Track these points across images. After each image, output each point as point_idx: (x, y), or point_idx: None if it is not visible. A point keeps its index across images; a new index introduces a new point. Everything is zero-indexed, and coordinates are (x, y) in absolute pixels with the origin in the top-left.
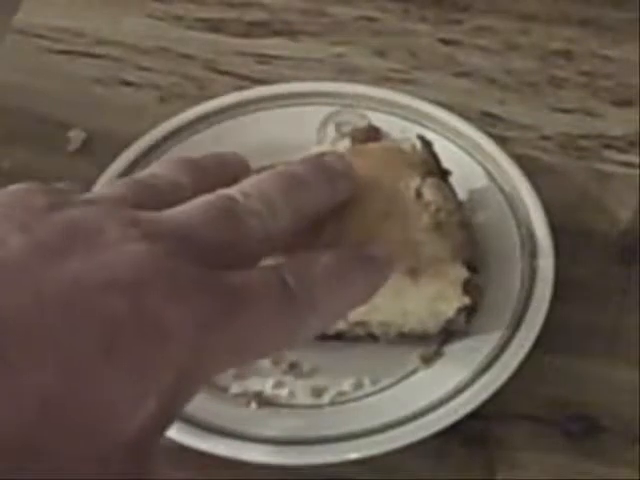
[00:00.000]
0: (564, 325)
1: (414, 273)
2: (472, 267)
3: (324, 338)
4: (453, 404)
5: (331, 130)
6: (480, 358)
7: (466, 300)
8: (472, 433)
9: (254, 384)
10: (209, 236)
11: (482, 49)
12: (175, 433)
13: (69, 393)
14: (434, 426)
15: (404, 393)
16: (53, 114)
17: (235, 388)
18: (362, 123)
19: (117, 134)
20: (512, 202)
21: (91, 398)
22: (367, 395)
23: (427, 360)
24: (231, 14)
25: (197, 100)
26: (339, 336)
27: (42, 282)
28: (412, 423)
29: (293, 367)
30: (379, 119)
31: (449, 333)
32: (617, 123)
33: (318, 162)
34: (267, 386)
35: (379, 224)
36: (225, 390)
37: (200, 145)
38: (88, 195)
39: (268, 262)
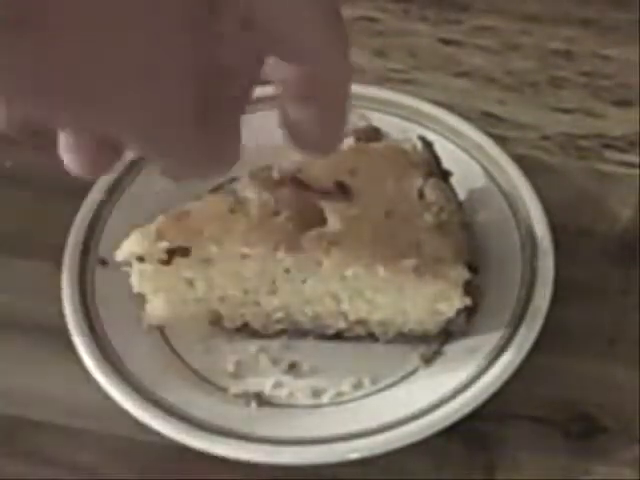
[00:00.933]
0: (564, 325)
1: (415, 273)
2: (473, 268)
3: (324, 338)
4: (453, 404)
5: None
6: (480, 358)
7: (467, 301)
8: (472, 433)
9: (254, 384)
10: None
11: (482, 49)
12: (175, 433)
13: None
14: (434, 426)
15: (404, 393)
16: None
17: (235, 388)
18: (362, 123)
19: None
20: (512, 202)
21: None
22: (367, 395)
23: (427, 360)
24: None
25: None
26: (339, 336)
27: None
28: (412, 423)
29: (293, 367)
30: (379, 119)
31: (449, 333)
32: (617, 123)
33: None
34: (267, 386)
35: (382, 223)
36: (225, 390)
37: None
38: None
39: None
